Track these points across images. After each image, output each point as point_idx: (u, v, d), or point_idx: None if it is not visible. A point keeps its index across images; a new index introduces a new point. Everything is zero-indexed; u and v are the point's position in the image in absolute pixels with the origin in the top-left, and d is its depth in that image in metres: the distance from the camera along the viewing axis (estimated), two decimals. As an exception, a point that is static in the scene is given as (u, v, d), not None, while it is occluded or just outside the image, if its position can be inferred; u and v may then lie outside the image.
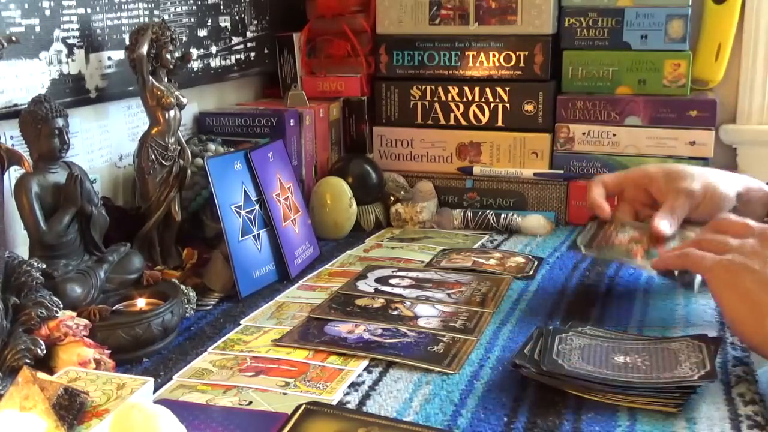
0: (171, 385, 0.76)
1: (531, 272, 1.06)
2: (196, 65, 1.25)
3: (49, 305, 0.74)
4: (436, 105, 1.38)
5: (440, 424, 0.67)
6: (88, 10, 1.01)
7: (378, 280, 1.03)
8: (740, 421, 0.65)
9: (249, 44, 1.39)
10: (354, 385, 0.74)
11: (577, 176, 1.30)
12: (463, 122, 1.37)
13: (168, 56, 0.98)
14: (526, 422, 0.67)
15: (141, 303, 0.87)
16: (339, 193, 1.25)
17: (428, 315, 0.91)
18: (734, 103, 1.44)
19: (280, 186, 1.11)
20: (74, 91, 1.00)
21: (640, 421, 0.66)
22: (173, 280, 0.94)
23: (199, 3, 1.25)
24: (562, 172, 1.32)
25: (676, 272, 0.97)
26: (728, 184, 0.96)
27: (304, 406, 0.69)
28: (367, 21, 1.42)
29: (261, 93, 1.51)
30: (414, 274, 1.05)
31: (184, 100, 1.01)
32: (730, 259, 0.75)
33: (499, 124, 1.35)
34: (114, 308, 0.85)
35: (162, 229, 1.02)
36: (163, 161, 0.99)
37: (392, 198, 1.34)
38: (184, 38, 1.21)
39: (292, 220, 1.11)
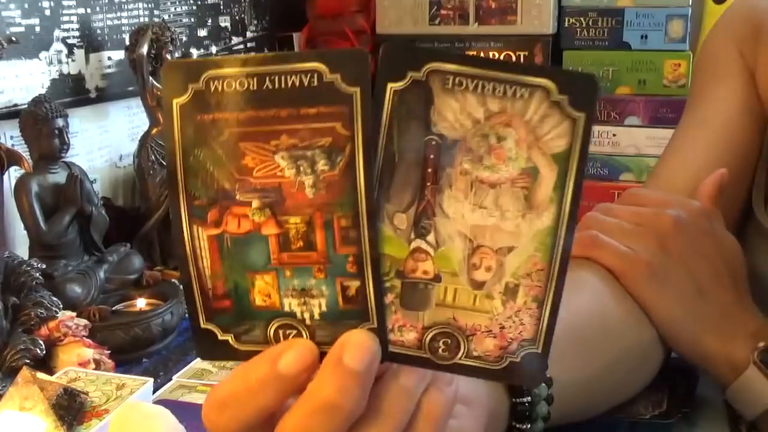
0: (171, 385, 0.75)
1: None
2: (196, 65, 1.25)
3: (48, 305, 0.74)
4: (436, 105, 1.37)
5: (440, 424, 0.67)
6: (88, 10, 1.01)
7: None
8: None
9: (249, 44, 1.39)
10: (354, 385, 0.74)
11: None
12: (463, 122, 1.37)
13: (168, 56, 0.98)
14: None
15: (141, 303, 0.87)
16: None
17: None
18: (734, 103, 1.44)
19: (280, 186, 1.11)
20: (74, 91, 1.00)
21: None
22: (173, 280, 0.94)
23: (199, 3, 1.25)
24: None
25: None
26: None
27: (303, 406, 0.69)
28: (367, 21, 1.42)
29: (261, 93, 1.50)
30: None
31: (184, 100, 1.01)
32: (649, 260, 0.59)
33: (499, 124, 1.34)
34: (114, 308, 0.85)
35: (162, 229, 1.02)
36: (163, 161, 0.99)
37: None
38: (184, 38, 1.21)
39: (292, 220, 1.11)
